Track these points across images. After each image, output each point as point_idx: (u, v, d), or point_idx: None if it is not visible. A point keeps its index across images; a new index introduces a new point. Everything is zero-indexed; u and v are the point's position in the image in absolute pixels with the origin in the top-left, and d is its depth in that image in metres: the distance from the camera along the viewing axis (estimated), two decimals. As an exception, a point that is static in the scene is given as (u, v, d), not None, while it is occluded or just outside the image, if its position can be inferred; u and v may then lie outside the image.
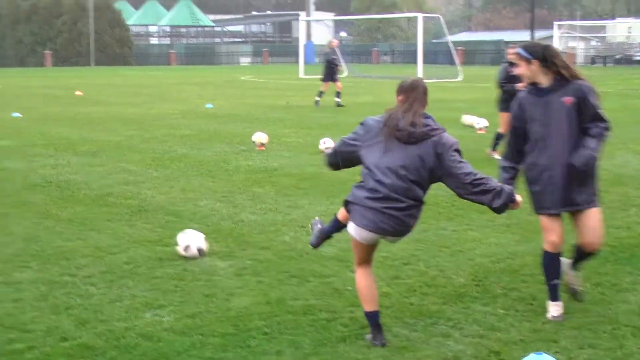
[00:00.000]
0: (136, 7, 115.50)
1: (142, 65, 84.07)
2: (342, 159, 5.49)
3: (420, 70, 43.68)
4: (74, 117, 21.80)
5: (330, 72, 25.60)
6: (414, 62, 48.99)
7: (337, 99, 25.07)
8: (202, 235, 7.51)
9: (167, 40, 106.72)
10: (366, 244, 5.33)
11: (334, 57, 26.02)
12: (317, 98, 25.41)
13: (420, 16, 46.03)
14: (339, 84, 25.44)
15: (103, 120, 20.83)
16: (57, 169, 12.76)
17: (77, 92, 32.86)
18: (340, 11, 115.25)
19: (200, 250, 7.36)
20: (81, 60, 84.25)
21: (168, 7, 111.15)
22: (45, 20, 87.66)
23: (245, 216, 9.15)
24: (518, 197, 5.23)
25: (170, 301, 6.15)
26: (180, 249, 7.36)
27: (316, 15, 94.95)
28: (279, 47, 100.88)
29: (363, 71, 52.62)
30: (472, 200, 5.23)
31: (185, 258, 7.27)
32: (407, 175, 5.12)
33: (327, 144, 14.02)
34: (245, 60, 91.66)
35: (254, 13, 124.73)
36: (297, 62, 57.28)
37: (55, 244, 7.87)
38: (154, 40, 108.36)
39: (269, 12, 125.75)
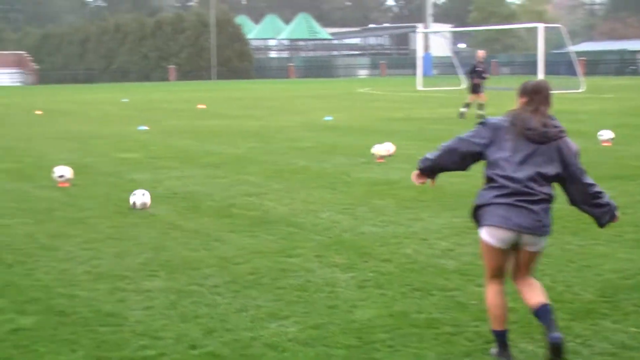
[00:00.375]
0: (256, 22, 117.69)
1: (262, 78, 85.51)
2: (459, 156, 5.33)
3: (541, 81, 42.79)
4: (197, 130, 22.35)
5: (478, 84, 25.06)
6: (534, 73, 48.05)
7: (464, 109, 24.78)
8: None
9: (285, 54, 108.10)
10: (500, 247, 5.05)
11: (478, 68, 25.42)
12: (463, 110, 25.11)
13: (540, 26, 45.14)
14: (482, 95, 25.04)
15: (225, 133, 21.28)
16: (182, 180, 13.11)
17: (200, 106, 33.69)
18: (458, 22, 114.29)
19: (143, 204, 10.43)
20: (203, 74, 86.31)
21: (287, 21, 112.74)
22: (169, 36, 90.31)
23: (367, 228, 9.16)
24: (618, 213, 5.21)
25: (294, 312, 6.22)
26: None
27: (434, 26, 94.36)
28: (396, 59, 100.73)
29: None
30: (584, 211, 5.18)
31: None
32: (538, 171, 5.01)
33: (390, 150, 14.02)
34: (362, 73, 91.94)
35: (372, 26, 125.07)
36: (414, 74, 57.07)
37: (182, 254, 8.08)
38: (273, 54, 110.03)
39: (386, 25, 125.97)
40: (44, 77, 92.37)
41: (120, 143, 19.18)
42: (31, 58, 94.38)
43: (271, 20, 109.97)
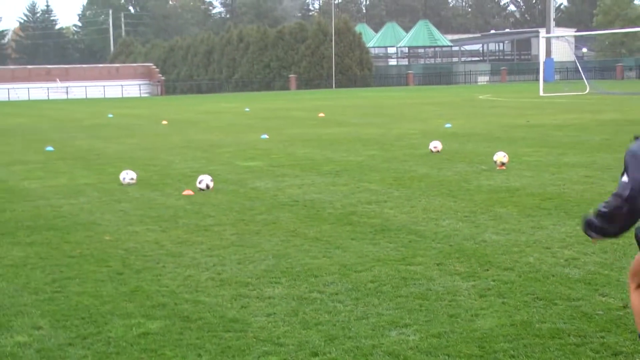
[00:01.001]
0: (376, 30, 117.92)
1: (381, 86, 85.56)
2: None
3: (670, 85, 41.26)
4: (318, 138, 22.55)
5: None
6: (663, 76, 46.37)
7: None
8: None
9: (405, 61, 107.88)
10: None
11: None
12: None
13: (670, 28, 43.51)
14: None
15: (345, 141, 21.39)
16: (303, 188, 13.24)
17: (320, 114, 33.99)
18: (582, 26, 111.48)
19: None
20: (323, 82, 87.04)
21: (407, 29, 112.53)
22: (290, 45, 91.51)
23: (488, 236, 9.03)
24: None
25: (415, 320, 6.18)
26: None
27: (556, 31, 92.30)
28: (517, 65, 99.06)
29: (606, 87, 50.48)
30: None
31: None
32: None
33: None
34: (483, 79, 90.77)
35: (492, 32, 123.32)
36: (536, 79, 55.97)
37: (303, 261, 8.15)
38: (392, 62, 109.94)
39: (507, 30, 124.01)
40: (170, 87, 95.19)
41: (243, 152, 19.55)
42: (158, 69, 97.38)
43: (391, 28, 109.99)
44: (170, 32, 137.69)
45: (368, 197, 12.08)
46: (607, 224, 4.57)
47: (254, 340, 5.84)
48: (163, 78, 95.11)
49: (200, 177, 13.69)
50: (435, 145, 17.94)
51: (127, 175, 14.50)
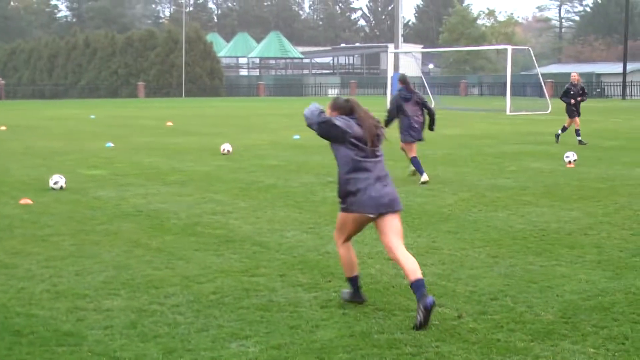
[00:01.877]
0: (227, 40, 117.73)
1: (232, 96, 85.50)
2: None
3: (509, 103, 43.20)
4: (165, 147, 22.27)
5: (575, 108, 22.99)
6: (503, 94, 48.53)
7: (578, 137, 22.75)
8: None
9: (256, 72, 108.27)
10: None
11: (572, 92, 23.20)
12: (560, 132, 23.27)
13: (509, 48, 45.64)
14: (577, 119, 23.01)
15: (193, 151, 21.22)
16: (148, 198, 13.03)
17: (168, 123, 33.59)
18: (428, 43, 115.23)
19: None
20: (172, 91, 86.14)
21: (258, 40, 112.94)
22: (139, 52, 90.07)
23: (331, 248, 9.15)
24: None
25: (256, 332, 6.19)
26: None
27: (404, 47, 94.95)
28: (366, 78, 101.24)
29: (451, 103, 52.36)
30: None
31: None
32: None
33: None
34: (333, 92, 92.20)
35: (343, 45, 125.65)
36: (385, 93, 57.33)
37: (144, 273, 8.02)
38: (243, 72, 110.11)
39: (357, 44, 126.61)
40: (10, 92, 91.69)
41: (86, 160, 19.06)
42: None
43: (242, 39, 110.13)
44: (12, 34, 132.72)
45: (213, 207, 12.02)
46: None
47: (89, 354, 5.69)
48: (3, 82, 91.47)
49: (56, 178, 13.94)
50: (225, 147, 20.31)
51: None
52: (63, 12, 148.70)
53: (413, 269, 6.41)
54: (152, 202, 12.53)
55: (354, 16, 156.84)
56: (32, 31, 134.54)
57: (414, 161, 14.91)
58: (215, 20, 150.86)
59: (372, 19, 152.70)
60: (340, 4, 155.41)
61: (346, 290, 7.03)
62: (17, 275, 7.92)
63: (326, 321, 6.46)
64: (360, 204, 6.64)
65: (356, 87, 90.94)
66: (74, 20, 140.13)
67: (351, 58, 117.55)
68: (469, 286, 7.47)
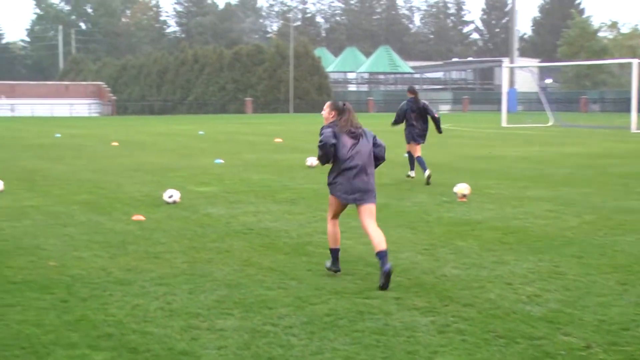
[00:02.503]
0: (336, 54, 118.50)
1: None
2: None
3: (634, 120, 42.04)
4: (274, 164, 22.54)
5: None
6: (627, 110, 47.25)
7: None
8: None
9: (365, 87, 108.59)
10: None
11: None
12: None
13: (635, 62, 44.41)
14: None
15: (302, 168, 21.40)
16: (258, 216, 13.20)
17: (277, 139, 34.01)
18: (546, 57, 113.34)
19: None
20: (280, 107, 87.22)
21: (367, 54, 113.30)
22: (247, 67, 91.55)
23: (448, 270, 9.07)
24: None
25: (372, 356, 6.16)
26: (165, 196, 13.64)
27: (520, 61, 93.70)
28: (479, 94, 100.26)
29: (570, 120, 51.29)
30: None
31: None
32: None
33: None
34: (444, 108, 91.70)
35: (455, 59, 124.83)
36: (499, 110, 56.63)
37: (257, 292, 8.11)
38: (352, 87, 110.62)
39: (470, 59, 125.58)
40: (121, 107, 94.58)
41: (196, 176, 19.46)
42: (109, 89, 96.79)
43: (351, 53, 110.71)
44: (122, 51, 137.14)
45: (324, 226, 12.05)
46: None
47: (204, 374, 5.78)
48: (114, 97, 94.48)
49: (170, 192, 14.60)
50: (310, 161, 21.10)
51: None
52: (172, 27, 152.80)
53: (379, 241, 8.50)
54: (263, 220, 12.69)
55: (466, 29, 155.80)
56: (142, 47, 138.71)
57: (419, 160, 18.06)
58: (324, 35, 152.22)
59: (485, 32, 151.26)
60: (452, 17, 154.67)
61: (328, 260, 9.10)
62: (132, 291, 8.13)
63: (445, 347, 6.39)
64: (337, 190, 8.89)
65: (469, 103, 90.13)
66: (183, 35, 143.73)
67: (463, 73, 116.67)
68: (598, 315, 7.26)
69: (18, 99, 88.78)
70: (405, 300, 7.78)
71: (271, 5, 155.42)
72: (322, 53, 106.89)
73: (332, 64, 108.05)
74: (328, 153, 8.72)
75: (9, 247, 10.45)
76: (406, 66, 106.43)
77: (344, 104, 9.06)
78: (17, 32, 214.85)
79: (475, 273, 8.95)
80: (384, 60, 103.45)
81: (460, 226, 12.04)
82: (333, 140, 8.72)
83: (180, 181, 18.39)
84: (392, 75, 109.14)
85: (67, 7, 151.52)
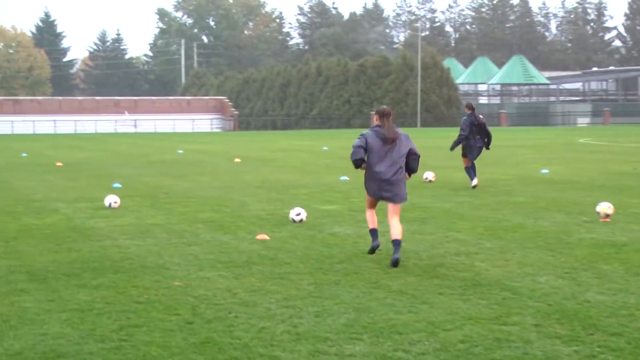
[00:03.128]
0: (466, 65, 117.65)
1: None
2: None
3: None
4: (402, 182, 22.49)
5: None
6: None
7: None
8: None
9: (497, 100, 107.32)
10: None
11: None
12: None
13: None
14: None
15: (432, 185, 21.29)
16: (386, 236, 13.13)
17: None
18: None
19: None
20: (407, 121, 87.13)
21: (499, 64, 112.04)
22: (372, 80, 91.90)
23: (592, 296, 8.83)
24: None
25: (510, 387, 6.06)
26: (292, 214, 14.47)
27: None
28: (622, 106, 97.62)
29: None
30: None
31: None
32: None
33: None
34: (583, 121, 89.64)
35: (595, 69, 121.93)
36: (644, 122, 54.88)
37: (386, 316, 8.10)
38: (483, 100, 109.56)
39: (611, 68, 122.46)
40: (243, 122, 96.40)
41: (321, 194, 19.62)
42: (231, 103, 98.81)
43: (482, 64, 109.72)
44: (244, 64, 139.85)
45: (457, 247, 11.98)
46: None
47: (334, 402, 5.80)
48: (236, 112, 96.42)
49: (298, 210, 14.96)
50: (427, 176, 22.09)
51: (111, 200, 16.82)
52: (295, 39, 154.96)
53: (397, 232, 10.79)
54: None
55: (607, 36, 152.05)
56: (264, 60, 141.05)
57: (467, 170, 20.53)
58: (453, 45, 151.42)
59: (629, 39, 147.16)
60: (592, 24, 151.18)
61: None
62: (257, 314, 8.25)
63: (590, 379, 6.21)
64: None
65: (610, 116, 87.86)
66: (306, 47, 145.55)
67: (604, 83, 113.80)
68: None
69: (141, 115, 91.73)
70: (545, 328, 7.62)
71: (398, 15, 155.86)
72: (451, 64, 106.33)
73: (461, 75, 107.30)
74: (357, 165, 10.97)
75: (134, 266, 10.78)
76: (541, 77, 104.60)
77: (384, 110, 11.02)
78: (140, 47, 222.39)
79: (623, 299, 8.69)
80: (517, 70, 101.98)
81: (604, 248, 11.72)
82: (359, 156, 10.80)
83: (304, 199, 18.58)
84: (526, 87, 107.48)
85: (190, 21, 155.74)
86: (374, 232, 11.18)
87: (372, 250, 11.29)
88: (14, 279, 10.04)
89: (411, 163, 10.94)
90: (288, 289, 9.38)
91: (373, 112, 10.71)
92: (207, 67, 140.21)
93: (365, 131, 11.05)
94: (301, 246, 12.28)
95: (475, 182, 20.31)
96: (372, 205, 11.26)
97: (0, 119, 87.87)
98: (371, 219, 11.24)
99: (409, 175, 11.12)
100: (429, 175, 22.30)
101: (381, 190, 10.88)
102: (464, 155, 20.58)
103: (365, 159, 10.87)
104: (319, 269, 10.51)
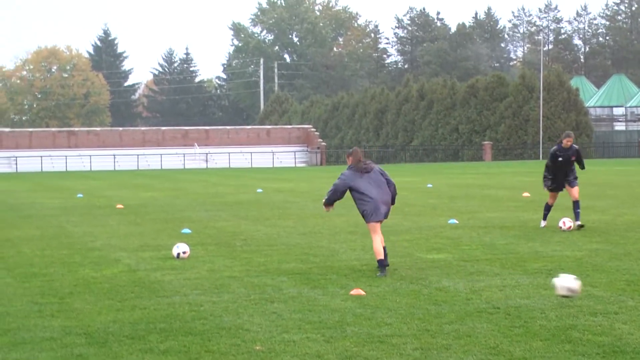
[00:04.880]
0: (598, 85, 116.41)
1: (604, 157, 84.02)
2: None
3: None
4: (523, 225, 22.30)
5: None
6: None
7: None
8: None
9: (636, 126, 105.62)
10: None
11: None
12: None
13: None
14: None
15: (556, 230, 21.00)
16: (505, 291, 13.07)
17: (525, 194, 33.65)
18: None
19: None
20: (527, 152, 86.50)
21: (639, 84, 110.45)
22: (484, 104, 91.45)
23: None
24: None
25: None
26: None
27: None
28: None
29: None
30: None
31: None
32: None
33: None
34: None
35: None
36: None
37: (508, 389, 7.99)
38: (619, 126, 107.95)
39: None
40: (332, 155, 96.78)
41: (426, 240, 19.56)
42: (317, 133, 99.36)
43: (618, 82, 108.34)
44: (333, 87, 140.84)
45: (592, 306, 11.79)
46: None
47: None
48: (324, 143, 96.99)
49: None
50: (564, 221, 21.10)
51: (179, 249, 17.23)
52: (393, 57, 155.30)
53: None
54: (512, 297, 12.55)
55: None
56: (357, 81, 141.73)
57: (547, 207, 21.96)
58: (582, 61, 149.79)
59: None
60: None
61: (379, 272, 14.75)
62: (354, 385, 8.23)
63: None
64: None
65: None
66: (406, 66, 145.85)
67: None
68: None
69: (213, 147, 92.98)
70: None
71: (515, 26, 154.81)
72: (580, 83, 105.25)
73: (593, 97, 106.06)
74: (329, 203, 15.38)
75: (209, 327, 10.88)
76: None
77: (355, 150, 15.55)
78: (212, 68, 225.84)
79: None
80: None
81: None
82: (337, 197, 15.27)
83: (406, 246, 18.55)
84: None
85: (270, 37, 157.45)
86: (382, 263, 14.83)
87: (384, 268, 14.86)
88: (70, 342, 10.24)
89: (392, 190, 15.30)
90: (389, 355, 9.35)
91: (348, 153, 15.52)
92: (290, 91, 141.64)
93: (345, 171, 15.21)
94: (403, 303, 12.24)
95: (572, 224, 20.86)
96: (378, 231, 14.92)
97: (54, 154, 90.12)
98: (379, 248, 14.86)
99: (392, 203, 15.35)
100: (568, 222, 20.96)
101: (382, 210, 14.86)
102: (552, 189, 21.86)
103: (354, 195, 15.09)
104: (425, 331, 10.45)
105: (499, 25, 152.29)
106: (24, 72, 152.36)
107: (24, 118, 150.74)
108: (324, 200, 15.58)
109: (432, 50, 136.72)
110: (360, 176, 14.96)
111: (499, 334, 10.24)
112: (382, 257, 14.69)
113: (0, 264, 17.01)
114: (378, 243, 14.79)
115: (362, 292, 13.02)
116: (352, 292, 13.05)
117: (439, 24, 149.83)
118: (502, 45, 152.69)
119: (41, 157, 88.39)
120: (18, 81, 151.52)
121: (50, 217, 28.13)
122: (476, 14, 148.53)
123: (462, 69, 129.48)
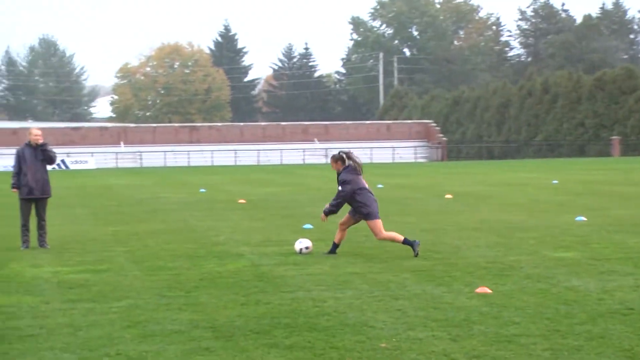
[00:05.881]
0: None
1: None
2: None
3: None
4: (654, 223, 21.83)
5: None
6: None
7: None
8: None
9: None
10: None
11: None
12: None
13: None
14: None
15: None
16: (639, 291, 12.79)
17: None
18: None
19: None
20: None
21: None
22: (612, 97, 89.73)
23: None
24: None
25: None
26: None
27: None
28: None
29: None
30: None
31: None
32: None
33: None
34: None
35: None
36: None
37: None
38: None
39: None
40: (453, 150, 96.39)
41: (553, 238, 19.28)
42: (438, 128, 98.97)
43: None
44: (454, 81, 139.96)
45: None
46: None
47: None
48: (445, 139, 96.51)
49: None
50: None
51: (302, 245, 17.50)
52: (516, 50, 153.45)
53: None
54: (645, 297, 12.28)
55: None
56: (478, 75, 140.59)
57: None
58: None
59: None
60: None
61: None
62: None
63: None
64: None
65: None
66: (529, 59, 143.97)
67: None
68: None
69: (332, 143, 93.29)
70: None
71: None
72: None
73: None
74: (335, 210, 16.87)
75: (333, 323, 10.90)
76: None
77: (341, 153, 16.91)
78: (331, 63, 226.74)
79: None
80: None
81: None
82: (350, 196, 16.53)
83: (532, 244, 18.31)
84: None
85: (389, 31, 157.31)
86: (336, 246, 17.12)
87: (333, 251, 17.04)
88: (197, 335, 10.39)
89: None
90: (518, 355, 9.24)
91: (331, 164, 17.03)
92: (410, 85, 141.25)
93: (345, 177, 16.59)
94: (531, 302, 12.08)
95: None
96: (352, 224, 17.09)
97: (177, 149, 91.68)
98: (393, 236, 16.75)
99: None
100: None
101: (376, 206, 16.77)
102: None
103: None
104: (555, 331, 10.29)
105: (627, 16, 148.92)
106: (148, 69, 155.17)
107: (147, 114, 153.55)
108: (325, 210, 16.88)
109: (556, 43, 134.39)
110: (358, 177, 16.70)
111: (633, 336, 10.02)
112: (402, 237, 16.67)
113: (128, 257, 17.38)
114: (392, 233, 16.92)
115: (488, 290, 12.89)
116: (477, 290, 12.93)
117: (563, 15, 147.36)
118: (632, 36, 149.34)
119: (164, 152, 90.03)
120: (142, 77, 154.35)
121: (175, 211, 28.66)
122: (603, 4, 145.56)
123: (588, 61, 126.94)
